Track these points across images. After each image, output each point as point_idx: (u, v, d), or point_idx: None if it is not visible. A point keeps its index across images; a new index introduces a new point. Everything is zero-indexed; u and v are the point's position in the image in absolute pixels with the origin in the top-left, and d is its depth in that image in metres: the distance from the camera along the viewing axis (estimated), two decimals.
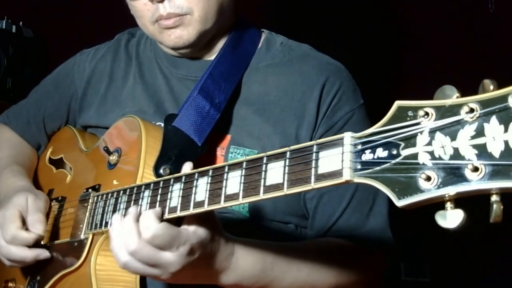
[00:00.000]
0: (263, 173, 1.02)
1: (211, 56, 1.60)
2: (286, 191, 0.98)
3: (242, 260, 1.27)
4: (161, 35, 1.52)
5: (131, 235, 1.15)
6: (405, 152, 0.84)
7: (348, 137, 0.91)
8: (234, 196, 1.06)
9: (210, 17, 1.51)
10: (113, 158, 1.50)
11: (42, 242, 1.55)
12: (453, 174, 0.79)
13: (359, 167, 0.88)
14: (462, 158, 0.79)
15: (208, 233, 1.19)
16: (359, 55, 2.80)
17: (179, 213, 1.15)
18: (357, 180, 0.88)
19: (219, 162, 1.50)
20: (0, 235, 1.51)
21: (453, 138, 0.80)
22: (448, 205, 0.80)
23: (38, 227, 1.52)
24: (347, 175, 0.89)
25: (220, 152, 1.51)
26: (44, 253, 1.52)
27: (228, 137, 1.52)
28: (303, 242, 1.51)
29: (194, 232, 1.17)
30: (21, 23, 3.06)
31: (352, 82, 1.59)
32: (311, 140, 1.48)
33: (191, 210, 1.13)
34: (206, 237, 1.18)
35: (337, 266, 1.41)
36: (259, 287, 1.33)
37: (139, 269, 1.19)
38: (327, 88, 1.53)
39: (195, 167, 1.20)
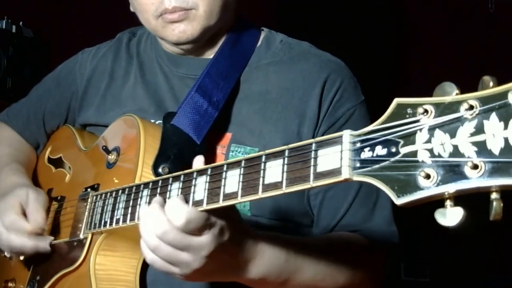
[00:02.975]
0: (261, 171, 1.02)
1: (212, 54, 1.60)
2: (285, 189, 0.97)
3: (268, 250, 1.23)
4: (164, 29, 1.51)
5: (159, 218, 1.09)
6: (404, 150, 0.83)
7: (347, 135, 0.91)
8: (232, 195, 1.06)
9: (215, 13, 1.51)
10: (111, 157, 1.50)
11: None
12: (453, 171, 0.78)
13: (358, 165, 0.88)
14: (462, 155, 0.78)
15: (230, 221, 1.14)
16: (359, 54, 2.80)
17: None
18: (356, 178, 0.88)
19: (220, 161, 1.49)
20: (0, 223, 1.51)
21: (453, 135, 0.79)
22: (448, 203, 0.79)
23: (37, 217, 1.51)
24: (346, 173, 0.88)
25: (220, 150, 1.51)
26: (44, 243, 1.51)
27: (229, 135, 1.52)
28: (316, 237, 1.50)
29: (218, 217, 1.11)
30: (21, 23, 3.06)
31: (353, 79, 1.59)
32: (313, 138, 1.49)
33: None
34: (230, 223, 1.13)
35: (351, 259, 1.39)
36: (282, 282, 1.29)
37: (168, 256, 1.11)
38: (328, 85, 1.53)
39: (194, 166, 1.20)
